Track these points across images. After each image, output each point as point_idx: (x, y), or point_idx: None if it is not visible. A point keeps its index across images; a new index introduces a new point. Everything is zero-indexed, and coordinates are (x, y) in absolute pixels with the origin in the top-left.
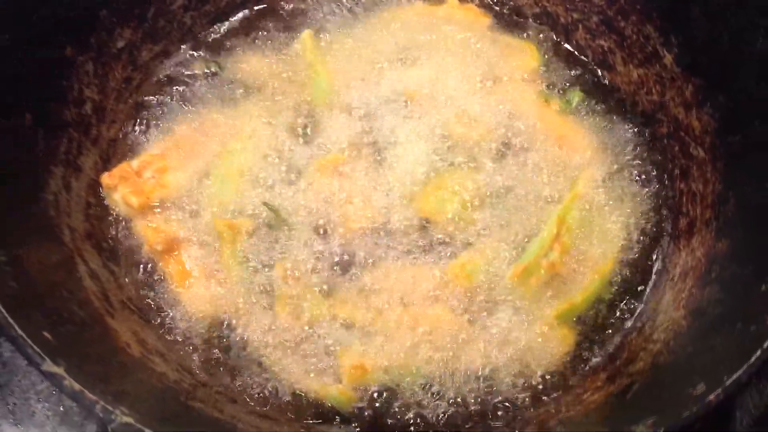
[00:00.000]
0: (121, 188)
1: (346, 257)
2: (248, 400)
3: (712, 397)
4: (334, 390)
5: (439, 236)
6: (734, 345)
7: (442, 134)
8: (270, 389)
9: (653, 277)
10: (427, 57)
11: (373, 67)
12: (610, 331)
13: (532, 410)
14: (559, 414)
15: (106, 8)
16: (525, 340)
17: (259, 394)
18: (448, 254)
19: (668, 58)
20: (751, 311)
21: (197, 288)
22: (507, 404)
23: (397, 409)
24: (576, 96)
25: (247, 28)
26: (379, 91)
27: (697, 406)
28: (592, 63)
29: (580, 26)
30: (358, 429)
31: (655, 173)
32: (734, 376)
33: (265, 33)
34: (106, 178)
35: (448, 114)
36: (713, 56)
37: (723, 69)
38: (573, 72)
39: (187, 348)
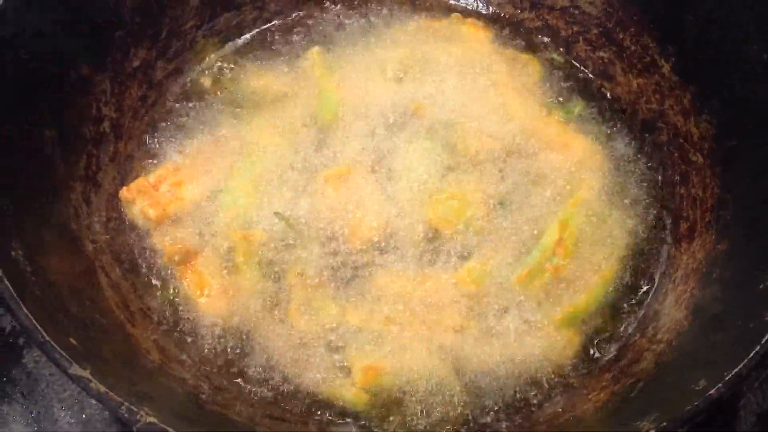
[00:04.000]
0: (139, 201)
1: (356, 265)
2: (265, 403)
3: (713, 391)
4: (347, 391)
5: (447, 244)
6: (734, 341)
7: (448, 145)
8: (285, 392)
9: (656, 279)
10: (432, 70)
11: (380, 82)
12: (614, 333)
13: (540, 411)
14: (566, 413)
15: (121, 29)
16: (532, 343)
17: (274, 396)
18: (456, 261)
19: (666, 68)
20: (751, 309)
21: (213, 297)
22: (516, 405)
23: (408, 410)
24: (577, 106)
25: (257, 46)
26: (385, 104)
27: (698, 400)
28: (593, 74)
29: (581, 38)
30: (370, 429)
31: (655, 179)
32: (734, 371)
33: (275, 50)
34: (124, 192)
35: (453, 125)
36: (708, 63)
37: (718, 75)
38: (574, 83)
39: (204, 355)
